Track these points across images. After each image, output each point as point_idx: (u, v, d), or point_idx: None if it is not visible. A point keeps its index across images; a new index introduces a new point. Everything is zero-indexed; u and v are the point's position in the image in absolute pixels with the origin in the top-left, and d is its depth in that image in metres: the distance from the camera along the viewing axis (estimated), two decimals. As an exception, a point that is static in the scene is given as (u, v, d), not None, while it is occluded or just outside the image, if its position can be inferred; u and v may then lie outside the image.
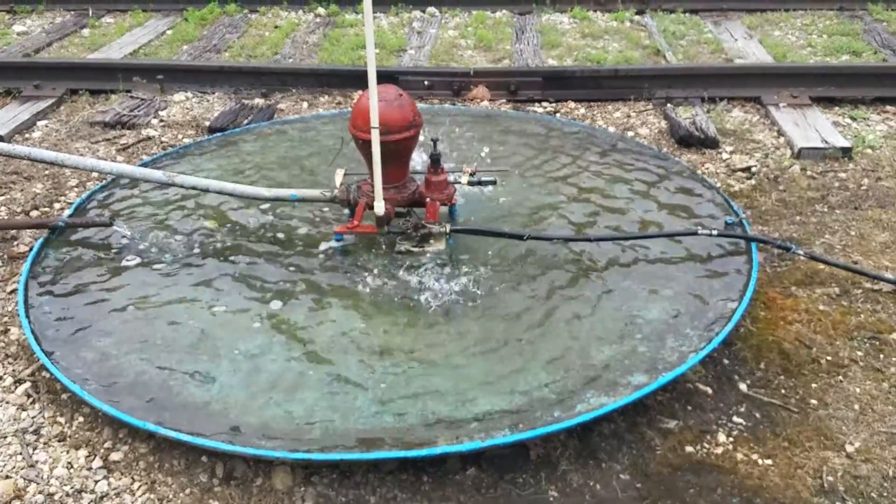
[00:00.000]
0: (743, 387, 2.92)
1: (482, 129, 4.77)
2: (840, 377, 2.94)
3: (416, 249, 3.45)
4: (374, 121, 3.08)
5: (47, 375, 2.97)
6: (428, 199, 3.50)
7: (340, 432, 2.59)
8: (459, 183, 3.59)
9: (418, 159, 3.80)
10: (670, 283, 3.30)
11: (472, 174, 3.62)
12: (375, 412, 2.66)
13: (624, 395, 2.68)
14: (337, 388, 2.77)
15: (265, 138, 4.74)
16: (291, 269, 3.47)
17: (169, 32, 7.00)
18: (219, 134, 4.90)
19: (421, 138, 3.50)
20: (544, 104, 5.36)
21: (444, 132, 4.33)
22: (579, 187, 4.09)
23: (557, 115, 5.17)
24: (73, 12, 7.62)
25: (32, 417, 2.82)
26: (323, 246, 3.61)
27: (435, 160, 3.54)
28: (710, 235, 3.47)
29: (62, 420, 2.82)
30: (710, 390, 2.91)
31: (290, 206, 3.90)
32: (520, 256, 3.49)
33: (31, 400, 2.91)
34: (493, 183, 3.60)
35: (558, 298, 3.22)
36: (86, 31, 7.11)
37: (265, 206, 3.91)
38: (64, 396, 2.91)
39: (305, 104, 5.43)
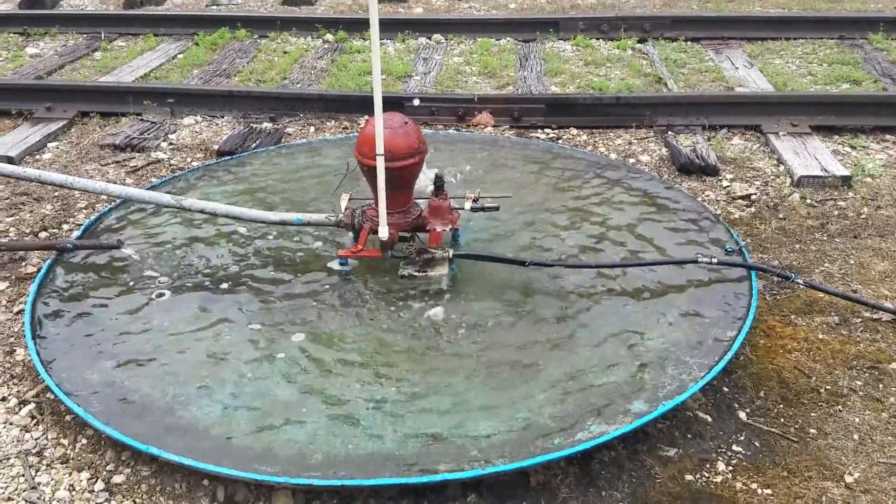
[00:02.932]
0: (742, 415, 2.89)
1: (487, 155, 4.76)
2: (839, 407, 2.92)
3: (418, 274, 3.43)
4: (380, 148, 3.08)
5: (51, 397, 2.95)
6: (431, 225, 3.49)
7: (342, 458, 2.57)
8: (462, 209, 3.57)
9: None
10: (670, 310, 3.28)
11: (475, 200, 3.61)
12: (377, 438, 2.64)
13: (624, 423, 2.65)
14: (339, 414, 2.75)
15: (273, 162, 4.73)
16: (299, 292, 3.45)
17: (180, 57, 7.04)
18: (227, 157, 4.88)
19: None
20: (547, 130, 5.36)
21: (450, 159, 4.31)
22: (580, 212, 4.06)
23: (559, 141, 5.16)
24: (85, 35, 7.67)
25: (36, 439, 2.80)
26: (330, 268, 3.59)
27: (438, 186, 3.54)
28: (711, 263, 3.45)
29: (65, 442, 2.80)
30: (709, 418, 2.88)
31: (301, 229, 3.87)
32: (521, 282, 3.47)
33: (35, 421, 2.89)
34: (496, 209, 3.60)
35: (559, 325, 3.21)
36: (98, 55, 7.15)
37: (276, 228, 3.89)
38: (68, 418, 2.88)
39: (313, 129, 5.44)
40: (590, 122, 5.37)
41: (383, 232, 3.30)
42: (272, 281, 3.53)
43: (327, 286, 3.48)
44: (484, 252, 3.63)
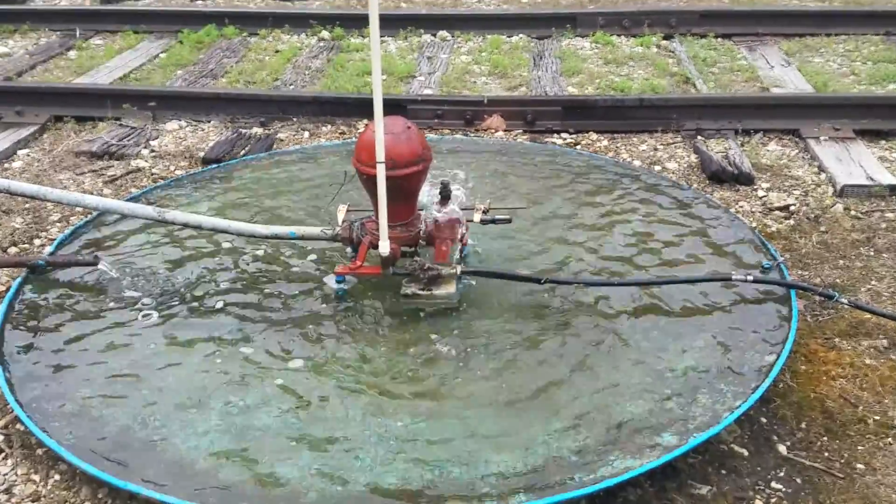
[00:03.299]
0: (782, 449, 2.87)
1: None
2: (889, 439, 2.90)
3: (423, 293, 3.44)
4: (380, 155, 3.07)
5: (22, 428, 2.94)
6: (437, 239, 3.49)
7: (338, 495, 2.56)
8: (472, 221, 3.58)
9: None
10: (702, 332, 3.28)
11: (485, 211, 3.63)
12: (377, 474, 2.63)
13: (652, 458, 2.64)
14: (335, 447, 2.74)
15: (263, 170, 4.75)
16: (293, 314, 3.46)
17: (162, 56, 7.09)
18: (213, 165, 4.90)
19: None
20: (564, 135, 5.37)
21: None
22: (603, 224, 4.06)
23: (578, 147, 5.17)
24: (59, 33, 7.73)
25: (4, 475, 2.79)
26: (327, 286, 3.60)
27: (444, 196, 3.55)
28: (746, 281, 3.44)
29: (37, 478, 2.79)
30: (746, 452, 2.86)
31: (294, 244, 3.88)
32: (537, 302, 3.46)
33: (3, 455, 2.88)
34: (509, 221, 3.61)
35: (578, 349, 3.20)
36: (72, 54, 7.21)
37: (267, 243, 3.91)
38: (39, 452, 2.88)
39: (307, 134, 5.46)
40: (611, 126, 5.39)
41: (384, 247, 3.29)
42: (263, 302, 3.53)
43: (323, 307, 3.49)
44: (496, 269, 3.62)
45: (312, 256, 3.88)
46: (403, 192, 3.37)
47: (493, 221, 3.61)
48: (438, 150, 4.62)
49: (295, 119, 5.61)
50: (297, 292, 3.61)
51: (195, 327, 3.37)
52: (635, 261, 3.80)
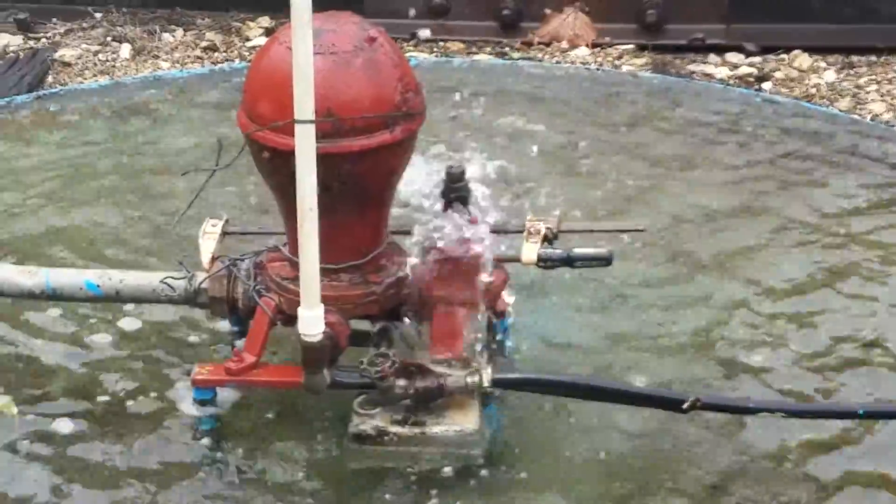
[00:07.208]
0: None
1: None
2: None
3: (402, 431, 2.05)
4: (305, 105, 1.88)
5: None
6: (436, 303, 2.13)
7: None
8: (517, 260, 2.17)
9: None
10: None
11: (549, 236, 2.21)
12: None
13: None
14: None
15: (22, 137, 3.27)
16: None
17: None
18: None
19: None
20: (731, 56, 3.72)
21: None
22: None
23: (765, 87, 3.53)
24: None
25: None
26: (180, 410, 2.18)
27: (456, 198, 2.12)
28: None
29: None
30: None
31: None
32: (668, 453, 2.00)
33: None
34: (606, 262, 2.21)
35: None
36: None
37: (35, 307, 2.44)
38: None
39: (127, 47, 3.88)
40: (851, 34, 3.66)
41: (311, 322, 2.01)
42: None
43: (172, 469, 2.03)
44: (573, 375, 2.18)
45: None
46: (359, 191, 2.13)
47: (570, 261, 2.16)
48: (438, 91, 3.09)
49: (98, 14, 4.02)
50: (109, 428, 2.07)
51: None
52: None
